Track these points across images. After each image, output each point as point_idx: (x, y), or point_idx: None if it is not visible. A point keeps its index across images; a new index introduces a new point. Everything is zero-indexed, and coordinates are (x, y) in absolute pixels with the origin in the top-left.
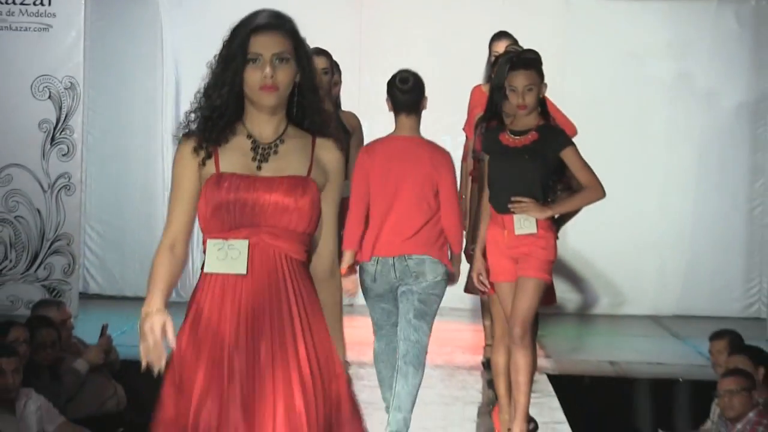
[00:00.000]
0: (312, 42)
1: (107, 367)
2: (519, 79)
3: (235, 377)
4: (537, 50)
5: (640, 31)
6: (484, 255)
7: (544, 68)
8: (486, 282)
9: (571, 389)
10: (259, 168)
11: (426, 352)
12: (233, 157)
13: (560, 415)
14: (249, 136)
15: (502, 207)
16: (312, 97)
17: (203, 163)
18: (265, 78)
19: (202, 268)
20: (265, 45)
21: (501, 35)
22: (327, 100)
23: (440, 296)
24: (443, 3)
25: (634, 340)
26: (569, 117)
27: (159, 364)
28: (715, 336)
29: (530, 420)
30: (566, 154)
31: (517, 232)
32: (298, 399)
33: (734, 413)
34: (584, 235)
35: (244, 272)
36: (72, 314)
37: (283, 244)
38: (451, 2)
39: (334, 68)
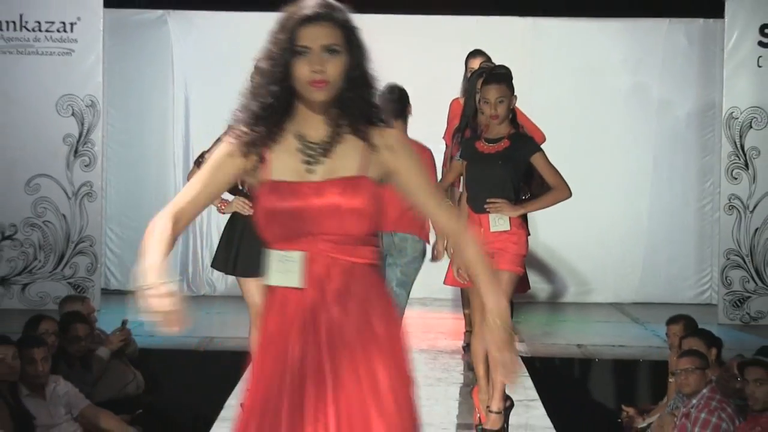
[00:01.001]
0: None
1: (127, 355)
2: (491, 92)
3: (286, 392)
4: (508, 66)
5: (599, 48)
6: None
7: (515, 82)
8: (465, 275)
9: (542, 370)
10: (309, 171)
11: (404, 313)
12: (283, 161)
13: (533, 393)
14: (298, 135)
15: (478, 207)
16: (365, 90)
17: (253, 167)
18: (314, 72)
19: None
20: (313, 36)
21: (476, 53)
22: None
23: (418, 268)
24: (425, 27)
25: (599, 325)
26: (538, 125)
27: (178, 328)
28: (672, 320)
29: (506, 398)
30: (536, 159)
31: (492, 229)
32: (374, 415)
33: (690, 389)
34: (554, 232)
35: (299, 285)
36: (95, 308)
37: (342, 250)
38: (431, 26)
39: None
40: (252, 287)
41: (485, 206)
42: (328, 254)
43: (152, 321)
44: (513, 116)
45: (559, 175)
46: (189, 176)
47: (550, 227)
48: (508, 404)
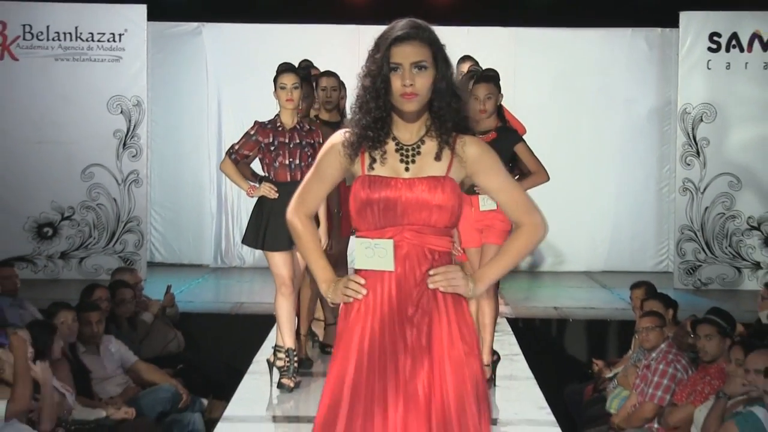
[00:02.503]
0: (319, 66)
1: (169, 318)
2: (480, 90)
3: (374, 365)
4: (495, 69)
5: (572, 54)
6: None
7: (501, 82)
8: (459, 248)
9: (524, 329)
10: (406, 169)
11: None
12: (380, 159)
13: (517, 349)
14: (394, 138)
15: (469, 190)
16: (450, 99)
17: (352, 162)
18: (405, 86)
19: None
20: (403, 54)
21: (465, 58)
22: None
23: None
24: None
25: (573, 290)
26: (520, 120)
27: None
28: (635, 286)
29: (494, 353)
30: (519, 149)
31: (482, 208)
32: (422, 384)
33: (650, 345)
34: None
35: (392, 269)
36: (142, 278)
37: (426, 238)
38: None
39: (341, 86)
40: (278, 260)
41: (474, 188)
42: (412, 241)
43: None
44: (499, 112)
45: (539, 161)
46: (221, 165)
47: None
48: (495, 358)
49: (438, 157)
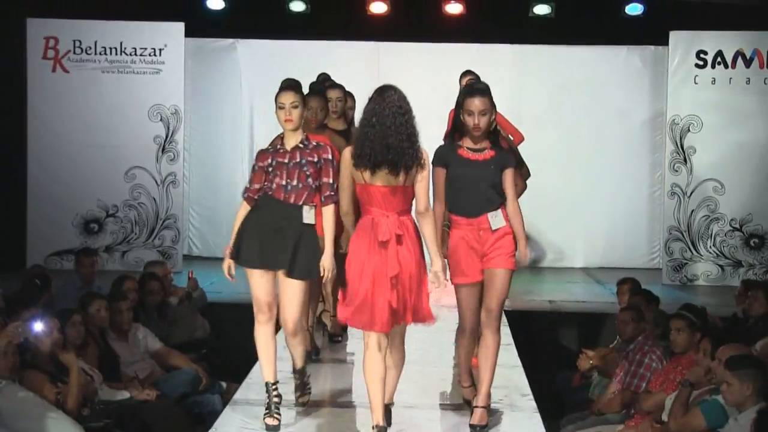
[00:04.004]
0: (343, 82)
1: (196, 305)
2: (474, 105)
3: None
4: (498, 83)
5: (570, 69)
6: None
7: (505, 97)
8: (445, 281)
9: (520, 321)
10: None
11: None
12: None
13: (509, 339)
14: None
15: (475, 211)
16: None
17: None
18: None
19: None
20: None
21: (467, 72)
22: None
23: None
24: (435, 56)
25: (569, 285)
26: (522, 131)
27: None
28: (621, 282)
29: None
30: (507, 172)
31: (494, 227)
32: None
33: (626, 336)
34: (536, 212)
35: None
36: (171, 270)
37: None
38: (440, 55)
39: (347, 96)
40: (255, 279)
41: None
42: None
43: None
44: (493, 129)
45: (515, 192)
46: (237, 213)
47: (534, 210)
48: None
49: None
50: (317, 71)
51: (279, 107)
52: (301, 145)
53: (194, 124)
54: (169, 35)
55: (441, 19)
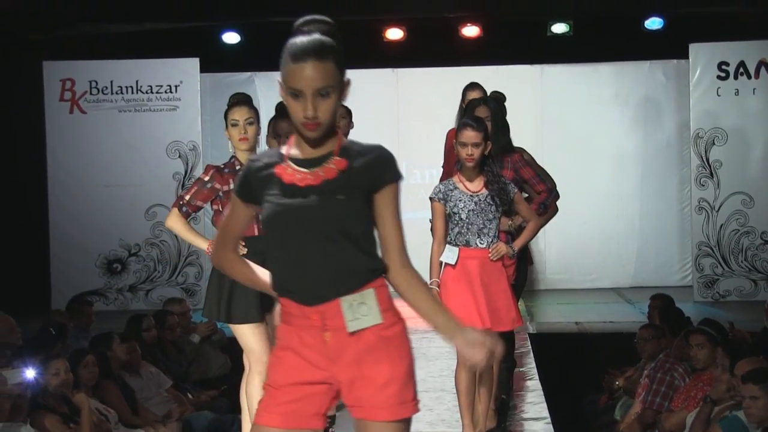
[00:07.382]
0: (362, 109)
1: (216, 342)
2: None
3: None
4: (516, 104)
5: (595, 87)
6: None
7: (530, 115)
8: None
9: (546, 343)
10: None
11: None
12: None
13: (532, 363)
14: None
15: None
16: None
17: None
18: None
19: None
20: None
21: (474, 85)
22: None
23: None
24: (453, 76)
25: (598, 306)
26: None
27: None
28: (654, 297)
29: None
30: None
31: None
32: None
33: (646, 355)
34: (564, 234)
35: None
36: (190, 307)
37: None
38: (459, 78)
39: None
40: (247, 332)
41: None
42: None
43: None
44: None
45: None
46: (167, 221)
47: (562, 229)
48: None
49: None
50: None
51: (232, 124)
52: None
53: (214, 159)
54: (184, 71)
55: (458, 43)
